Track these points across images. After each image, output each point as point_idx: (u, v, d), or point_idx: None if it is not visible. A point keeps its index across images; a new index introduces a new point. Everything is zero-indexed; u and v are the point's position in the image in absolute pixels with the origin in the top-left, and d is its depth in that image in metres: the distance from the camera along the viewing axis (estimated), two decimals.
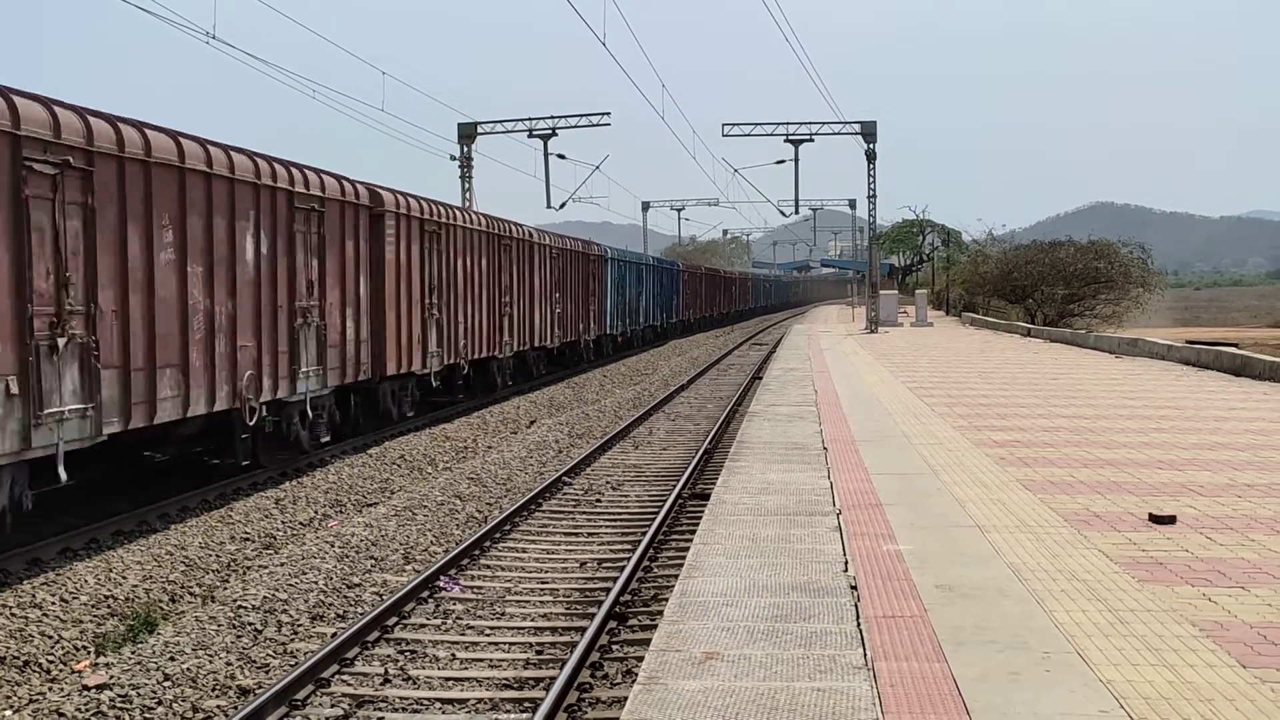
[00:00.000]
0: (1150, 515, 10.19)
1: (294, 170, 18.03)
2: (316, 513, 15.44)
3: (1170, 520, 10.00)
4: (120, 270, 13.43)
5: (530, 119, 48.28)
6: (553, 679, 8.73)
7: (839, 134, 50.72)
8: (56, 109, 12.52)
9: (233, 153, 16.12)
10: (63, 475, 12.31)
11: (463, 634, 10.30)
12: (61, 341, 12.32)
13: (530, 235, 33.28)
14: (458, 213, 26.69)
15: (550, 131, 48.41)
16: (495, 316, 29.15)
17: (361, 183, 20.90)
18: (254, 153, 16.86)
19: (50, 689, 8.91)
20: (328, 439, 19.46)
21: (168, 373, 14.37)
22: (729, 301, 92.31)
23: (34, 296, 11.95)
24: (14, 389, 11.63)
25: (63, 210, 12.40)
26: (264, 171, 16.85)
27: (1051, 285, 60.86)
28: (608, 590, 11.20)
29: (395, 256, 22.03)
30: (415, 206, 23.22)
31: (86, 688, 8.69)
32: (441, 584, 11.68)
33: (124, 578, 11.66)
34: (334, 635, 9.93)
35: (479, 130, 47.18)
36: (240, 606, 10.66)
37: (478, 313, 27.52)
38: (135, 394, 13.68)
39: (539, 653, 9.76)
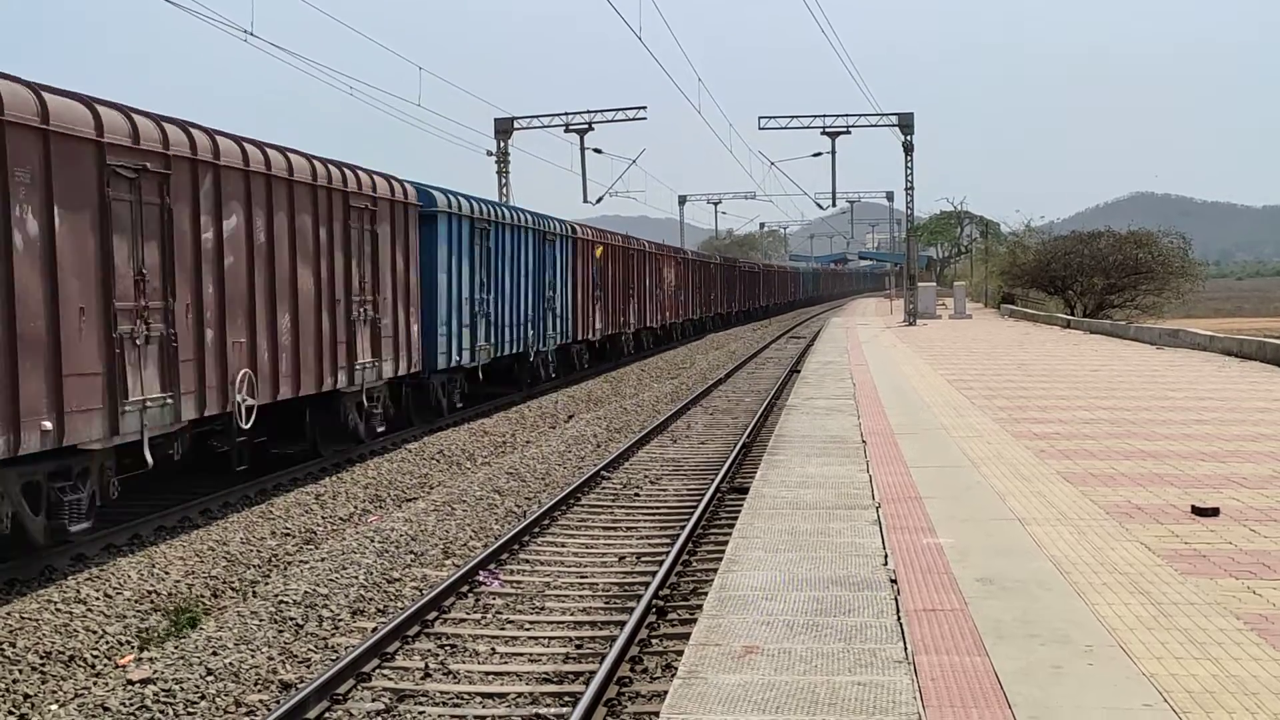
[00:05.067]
0: (1193, 507, 10.11)
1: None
2: (356, 508, 15.53)
3: (1213, 512, 9.91)
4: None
5: (566, 114, 48.36)
6: (592, 673, 8.74)
7: (876, 126, 50.59)
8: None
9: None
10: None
11: (502, 628, 10.34)
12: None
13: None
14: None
15: (586, 126, 48.46)
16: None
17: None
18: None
19: (95, 683, 9.01)
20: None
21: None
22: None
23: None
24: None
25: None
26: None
27: (1090, 276, 60.23)
28: (647, 584, 11.20)
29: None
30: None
31: (131, 682, 8.77)
32: (481, 578, 11.72)
33: (166, 573, 11.76)
34: (374, 630, 9.98)
35: (515, 125, 47.27)
36: (281, 601, 10.73)
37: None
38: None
39: (578, 647, 9.78)
